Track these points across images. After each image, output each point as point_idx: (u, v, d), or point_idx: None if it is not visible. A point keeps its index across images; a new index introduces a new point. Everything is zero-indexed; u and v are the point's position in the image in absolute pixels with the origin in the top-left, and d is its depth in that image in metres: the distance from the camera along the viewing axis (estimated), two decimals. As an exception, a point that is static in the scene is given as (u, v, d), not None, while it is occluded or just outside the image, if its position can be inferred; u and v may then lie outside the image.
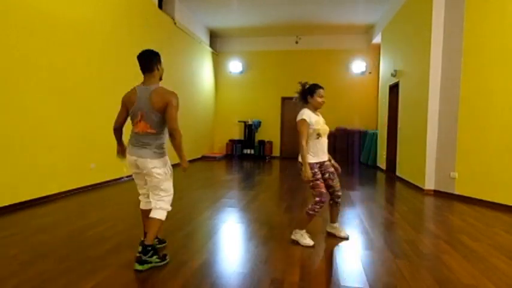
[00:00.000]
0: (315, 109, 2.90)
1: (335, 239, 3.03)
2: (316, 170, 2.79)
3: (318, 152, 2.83)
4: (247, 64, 10.57)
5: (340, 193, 2.97)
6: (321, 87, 2.88)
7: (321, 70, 9.94)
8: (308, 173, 2.70)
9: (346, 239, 2.99)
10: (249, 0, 7.49)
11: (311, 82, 2.98)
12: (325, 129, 2.87)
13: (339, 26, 9.05)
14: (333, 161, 3.00)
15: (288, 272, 2.30)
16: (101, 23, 5.03)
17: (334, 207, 3.02)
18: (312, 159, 2.80)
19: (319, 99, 2.84)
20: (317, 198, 2.76)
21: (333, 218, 3.06)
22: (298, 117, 2.83)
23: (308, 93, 2.89)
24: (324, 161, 2.90)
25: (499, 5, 4.34)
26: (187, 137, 8.50)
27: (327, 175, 2.89)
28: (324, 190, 2.77)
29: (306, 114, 2.82)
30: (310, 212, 2.79)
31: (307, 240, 2.81)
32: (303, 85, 2.97)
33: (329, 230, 3.11)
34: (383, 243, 2.90)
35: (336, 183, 2.93)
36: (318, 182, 2.77)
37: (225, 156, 10.32)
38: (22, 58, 3.77)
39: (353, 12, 8.04)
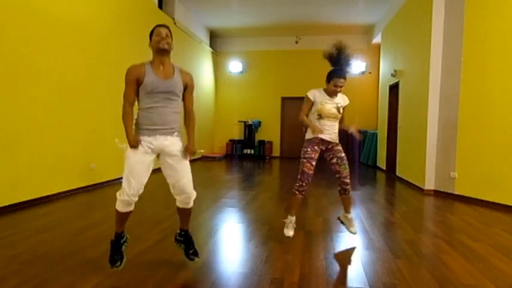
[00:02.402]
0: (331, 94, 2.87)
1: (334, 239, 3.02)
2: (308, 149, 2.84)
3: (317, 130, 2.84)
4: (247, 64, 10.57)
5: (347, 180, 2.89)
6: (339, 76, 2.80)
7: (321, 70, 9.87)
8: (316, 127, 2.72)
9: (353, 233, 2.95)
10: (249, 0, 7.49)
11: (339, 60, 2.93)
12: (328, 111, 2.82)
13: (339, 26, 9.05)
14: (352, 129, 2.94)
15: (288, 272, 2.29)
16: (100, 23, 5.03)
17: (344, 196, 2.97)
18: (308, 135, 2.89)
19: (333, 88, 2.81)
20: (298, 176, 2.85)
21: (345, 208, 3.00)
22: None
23: (326, 78, 2.88)
24: (331, 143, 2.88)
25: (499, 5, 4.34)
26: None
27: (334, 160, 2.88)
28: (306, 170, 2.80)
29: (312, 92, 2.90)
30: (292, 190, 2.91)
31: (287, 230, 2.89)
32: (332, 54, 2.92)
33: (341, 218, 3.07)
34: (383, 243, 2.90)
35: (343, 169, 2.87)
36: (304, 160, 2.83)
37: (225, 156, 10.32)
38: (22, 58, 3.76)
39: (353, 12, 8.04)
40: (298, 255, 2.59)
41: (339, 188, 2.96)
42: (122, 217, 2.21)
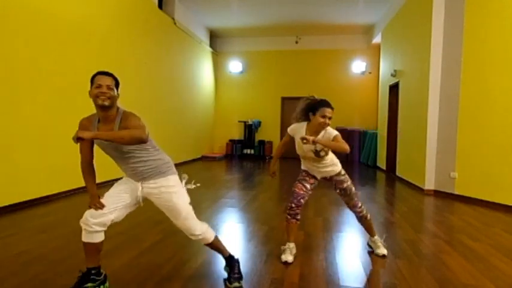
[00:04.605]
0: (315, 129, 2.43)
1: (334, 239, 3.02)
2: (303, 172, 2.63)
3: (305, 167, 2.65)
4: (247, 64, 10.57)
5: (358, 209, 2.60)
6: (327, 105, 2.38)
7: (321, 70, 9.94)
8: (270, 170, 2.91)
9: (383, 256, 2.59)
10: (249, 0, 7.49)
11: (318, 97, 2.51)
12: (304, 154, 2.51)
13: (339, 26, 9.05)
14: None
15: (288, 272, 2.29)
16: (100, 23, 5.03)
17: (362, 222, 2.66)
18: (302, 166, 2.68)
19: (320, 120, 2.36)
20: (290, 198, 2.57)
21: (369, 232, 2.69)
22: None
23: (310, 110, 2.44)
24: (326, 176, 2.59)
25: (499, 5, 4.34)
26: (187, 137, 8.53)
27: (337, 190, 2.61)
28: (297, 190, 2.52)
29: (292, 128, 2.61)
30: (286, 216, 2.55)
31: (284, 256, 2.45)
32: (309, 99, 2.51)
33: (369, 243, 2.74)
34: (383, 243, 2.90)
35: (350, 200, 2.58)
36: (296, 182, 2.59)
37: (225, 156, 10.32)
38: (22, 59, 3.76)
39: (353, 12, 8.04)
40: (298, 255, 2.59)
41: (355, 216, 2.68)
42: (86, 249, 1.91)
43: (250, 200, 4.53)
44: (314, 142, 2.23)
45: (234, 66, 10.51)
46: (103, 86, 1.80)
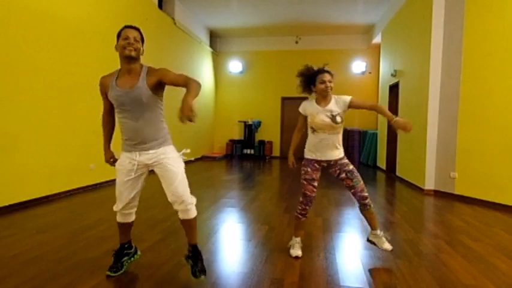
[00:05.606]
0: (322, 97, 2.53)
1: (334, 239, 3.02)
2: (308, 169, 2.56)
3: (313, 148, 2.56)
4: (247, 64, 10.57)
5: (365, 194, 2.55)
6: (322, 72, 2.51)
7: (321, 70, 9.94)
8: (289, 160, 2.85)
9: (389, 251, 2.57)
10: (249, 0, 7.49)
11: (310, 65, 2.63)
12: (320, 123, 2.48)
13: (339, 26, 9.05)
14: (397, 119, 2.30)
15: (288, 272, 2.29)
16: (100, 23, 5.03)
17: (365, 212, 2.59)
18: (307, 154, 2.61)
19: (321, 86, 2.46)
20: (300, 198, 2.58)
21: (371, 224, 2.62)
22: None
23: (310, 83, 2.57)
24: (332, 160, 2.54)
25: (499, 4, 4.34)
26: (187, 137, 8.53)
27: (343, 174, 2.53)
28: (309, 193, 2.52)
29: (302, 105, 2.67)
30: (295, 214, 2.63)
31: (293, 250, 2.57)
32: (304, 72, 2.61)
33: (371, 238, 2.65)
34: (383, 243, 2.90)
35: (357, 183, 2.52)
36: (305, 182, 2.54)
37: (225, 156, 10.32)
38: (22, 58, 3.76)
39: (353, 12, 8.04)
40: (298, 255, 2.59)
41: (358, 205, 2.61)
42: (121, 227, 2.24)
43: (250, 200, 4.53)
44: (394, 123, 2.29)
45: (234, 66, 10.51)
46: (130, 37, 1.94)
